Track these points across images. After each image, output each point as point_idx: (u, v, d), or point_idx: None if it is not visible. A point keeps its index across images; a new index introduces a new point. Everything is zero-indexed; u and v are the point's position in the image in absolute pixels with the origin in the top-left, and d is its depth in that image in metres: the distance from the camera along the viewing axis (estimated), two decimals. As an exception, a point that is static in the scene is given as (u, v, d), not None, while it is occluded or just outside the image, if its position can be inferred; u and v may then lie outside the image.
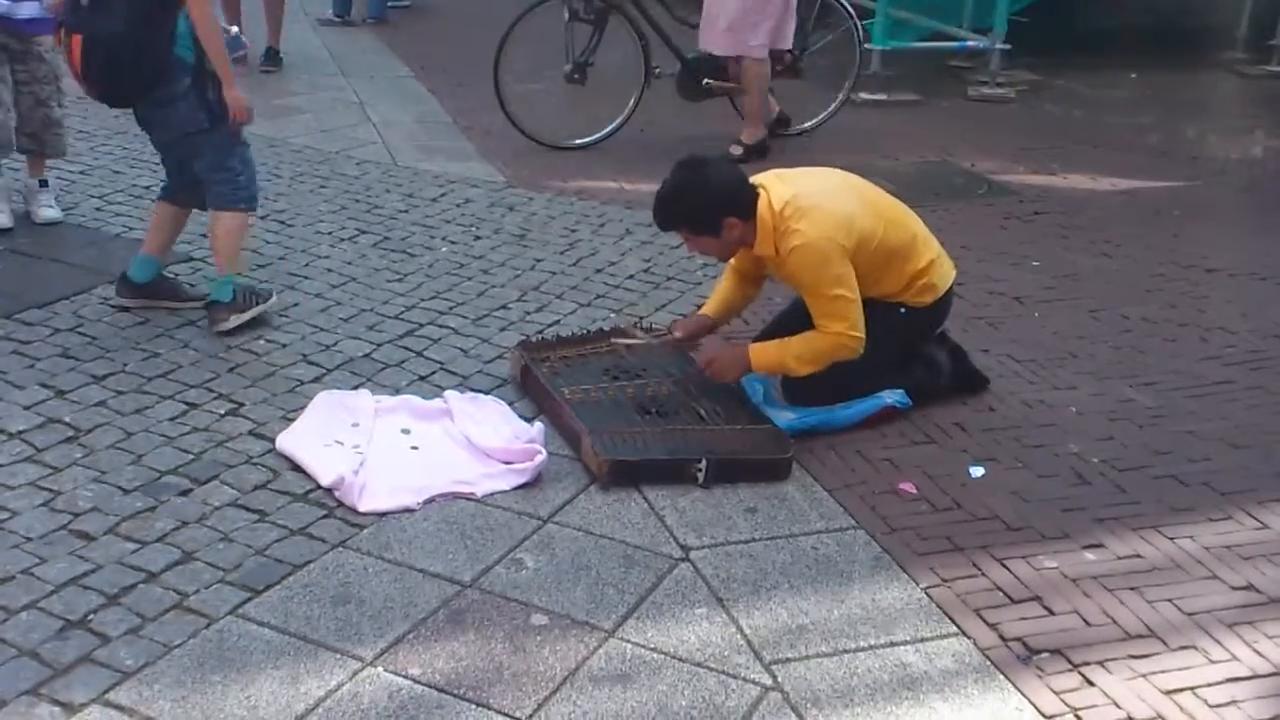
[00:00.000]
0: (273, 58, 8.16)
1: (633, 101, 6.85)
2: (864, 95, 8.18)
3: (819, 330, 3.81)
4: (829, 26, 7.34)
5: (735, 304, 4.25)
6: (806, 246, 3.73)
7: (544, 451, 3.61)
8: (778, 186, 3.85)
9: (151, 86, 4.17)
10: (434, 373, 4.22)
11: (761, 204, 3.80)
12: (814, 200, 3.81)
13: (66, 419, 3.78)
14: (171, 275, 4.74)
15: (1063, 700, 2.78)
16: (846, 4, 7.07)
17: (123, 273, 4.56)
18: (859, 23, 7.15)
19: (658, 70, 6.84)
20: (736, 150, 6.61)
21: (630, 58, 6.78)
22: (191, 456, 3.62)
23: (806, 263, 3.75)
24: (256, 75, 7.84)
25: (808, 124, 7.31)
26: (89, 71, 4.10)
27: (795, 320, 3.99)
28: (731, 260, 4.08)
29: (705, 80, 6.81)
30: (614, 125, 6.89)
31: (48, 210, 5.32)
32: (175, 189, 4.55)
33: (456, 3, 10.61)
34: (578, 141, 6.88)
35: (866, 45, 7.61)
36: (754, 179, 3.89)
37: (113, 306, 4.54)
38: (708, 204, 3.79)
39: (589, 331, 4.39)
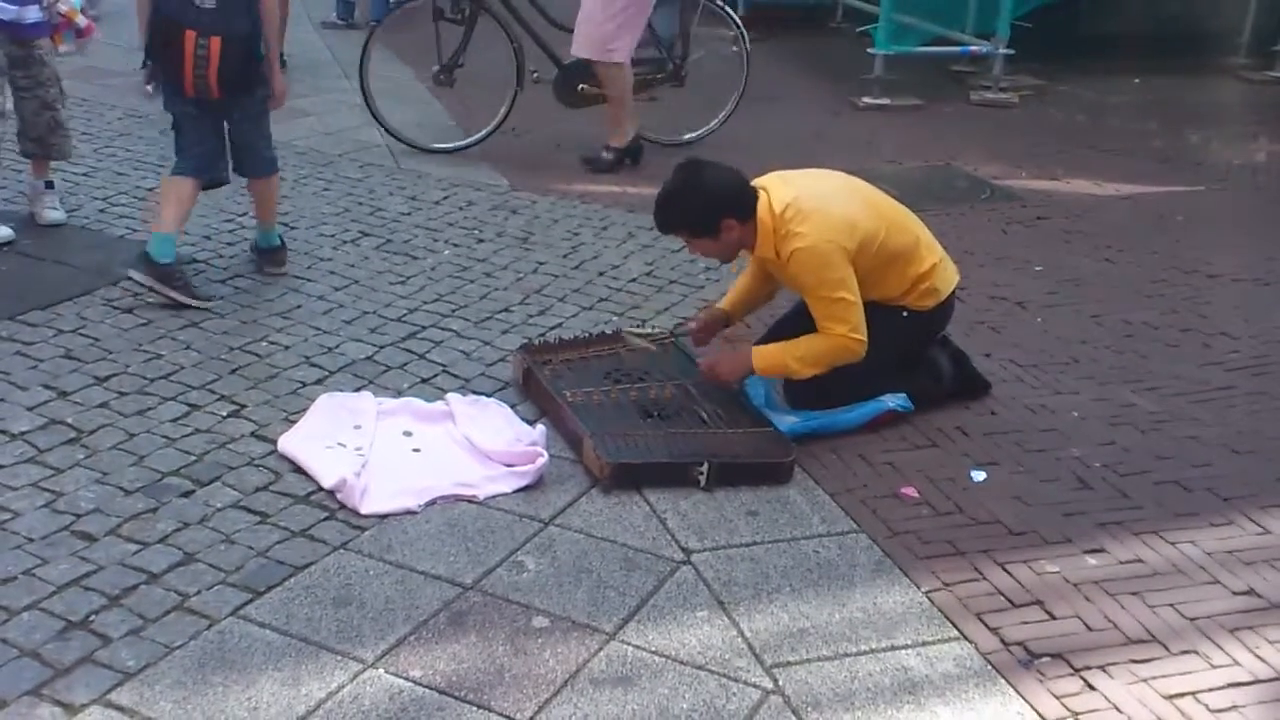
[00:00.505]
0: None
1: (505, 107, 6.73)
2: (867, 100, 8.20)
3: (821, 333, 3.81)
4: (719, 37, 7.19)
5: (753, 300, 4.26)
6: (808, 249, 3.73)
7: (546, 454, 3.61)
8: (779, 188, 3.85)
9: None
10: (436, 375, 4.22)
11: (761, 206, 3.81)
12: (816, 203, 3.81)
13: (69, 420, 3.79)
14: None
15: (1064, 705, 2.78)
16: (732, 13, 6.89)
17: (143, 252, 4.62)
18: (745, 33, 6.98)
19: (535, 75, 6.74)
20: (606, 155, 6.54)
21: (505, 61, 6.65)
22: (193, 458, 3.63)
23: (808, 265, 3.75)
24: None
25: (688, 135, 7.05)
26: (226, 69, 4.49)
27: (798, 323, 3.99)
28: (754, 255, 4.07)
29: (581, 86, 6.64)
30: (485, 131, 6.76)
31: (52, 212, 5.32)
32: (207, 168, 4.79)
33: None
34: (446, 145, 6.79)
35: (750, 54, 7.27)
36: (756, 181, 3.89)
37: (122, 294, 4.58)
38: (705, 206, 3.79)
39: (591, 334, 4.39)
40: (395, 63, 8.26)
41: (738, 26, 6.97)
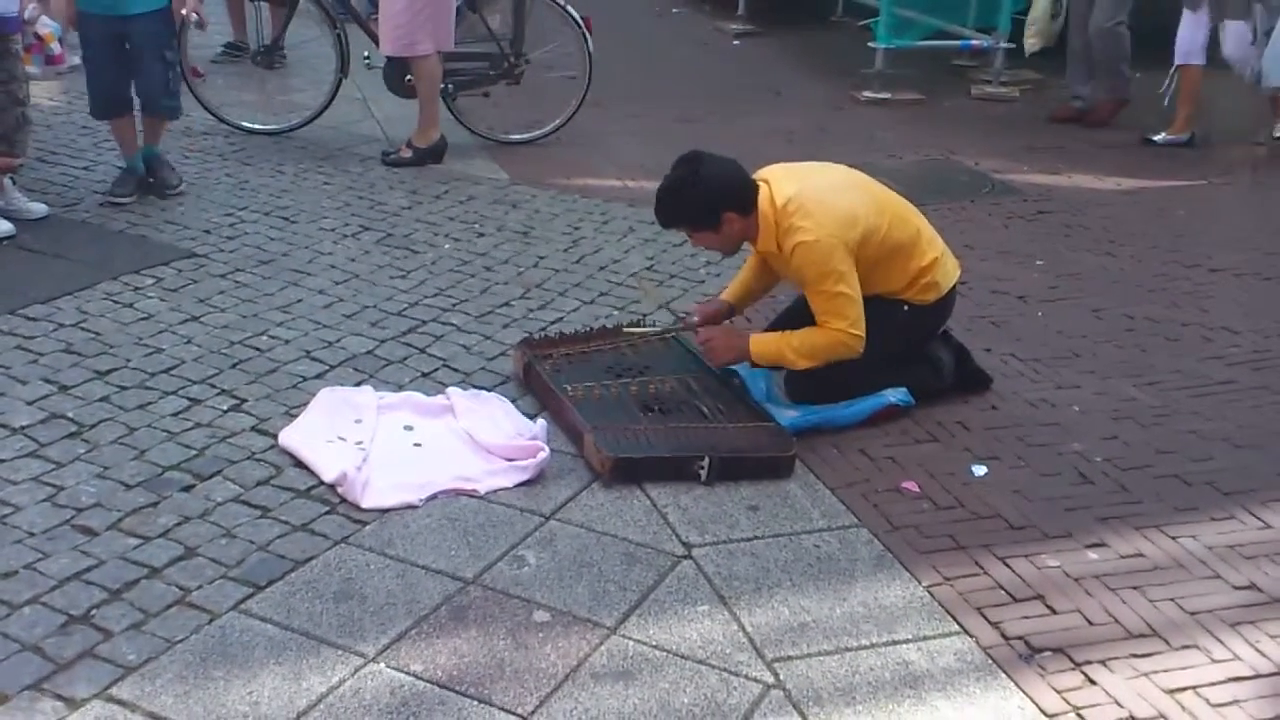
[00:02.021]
0: (234, 50, 8.06)
1: (327, 94, 6.68)
2: (867, 94, 8.20)
3: (820, 326, 3.81)
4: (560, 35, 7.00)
5: (755, 290, 4.25)
6: (811, 244, 3.73)
7: (546, 448, 3.61)
8: (781, 181, 3.85)
9: None
10: (437, 369, 4.22)
11: (763, 199, 3.81)
12: (818, 196, 3.81)
13: (70, 414, 3.79)
14: None
15: (1064, 699, 2.78)
16: (573, 11, 6.71)
17: (127, 170, 5.41)
18: (587, 32, 6.77)
19: (368, 60, 6.71)
20: (406, 153, 6.40)
21: (331, 45, 6.63)
22: (194, 452, 3.63)
23: (810, 259, 3.75)
24: (250, 70, 7.74)
25: (526, 134, 6.95)
26: None
27: (798, 318, 4.00)
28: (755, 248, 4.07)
29: (408, 78, 6.48)
30: (307, 115, 6.72)
31: (36, 205, 5.32)
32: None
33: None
34: (263, 127, 6.73)
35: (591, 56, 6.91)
36: (757, 174, 3.89)
37: (123, 288, 4.62)
38: (705, 200, 3.79)
39: (592, 329, 4.39)
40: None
41: (579, 25, 6.73)
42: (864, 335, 3.78)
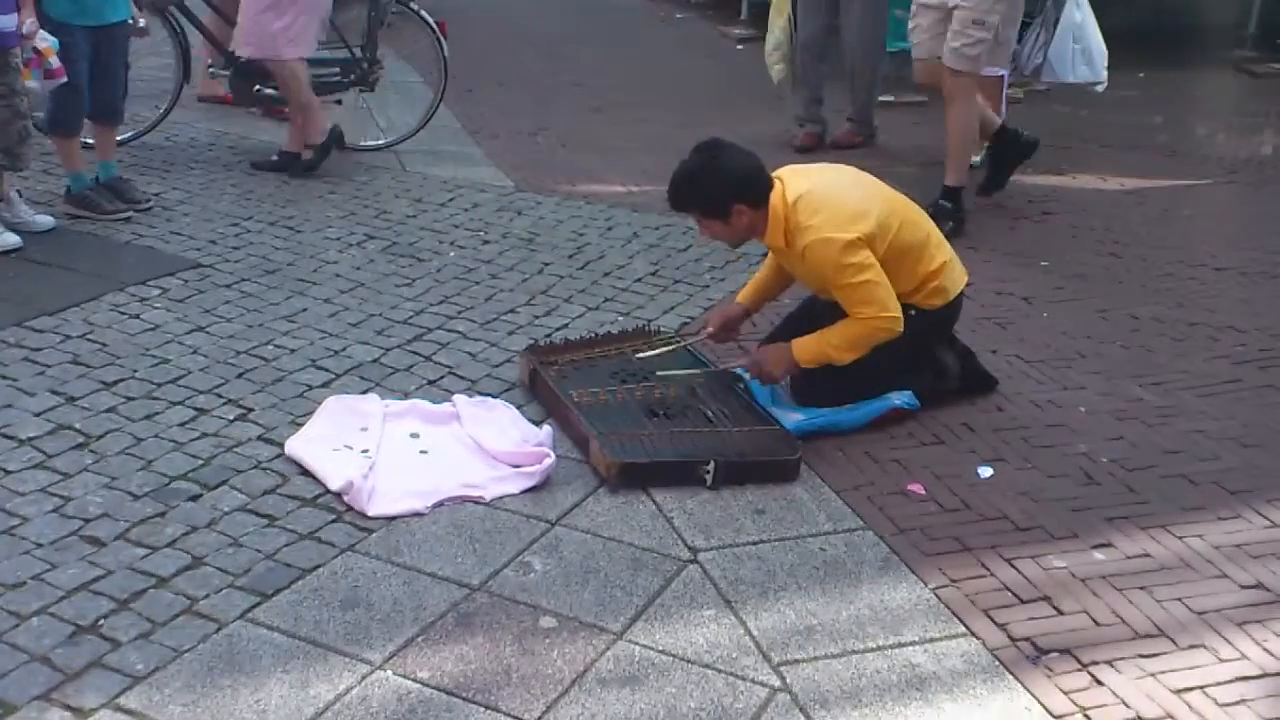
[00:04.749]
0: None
1: (167, 103, 6.54)
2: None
3: (853, 318, 3.82)
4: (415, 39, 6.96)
5: (772, 291, 4.26)
6: (823, 241, 3.74)
7: (552, 454, 3.62)
8: (794, 180, 3.88)
9: None
10: (443, 377, 4.23)
11: (775, 194, 3.83)
12: (829, 194, 3.83)
13: (76, 425, 3.80)
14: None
15: (1072, 700, 2.78)
16: (427, 16, 6.65)
17: (92, 184, 5.52)
18: (442, 36, 6.72)
19: (210, 68, 6.63)
20: (306, 154, 6.28)
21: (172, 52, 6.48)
22: (201, 462, 3.64)
23: (825, 256, 3.76)
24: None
25: (381, 141, 6.83)
26: None
27: (804, 322, 4.01)
28: (766, 245, 4.07)
29: (257, 86, 6.42)
30: (145, 126, 6.57)
31: (42, 218, 5.33)
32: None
33: (463, 8, 10.62)
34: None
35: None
36: (774, 172, 3.91)
37: (129, 299, 4.59)
38: (719, 188, 3.81)
39: (597, 335, 4.39)
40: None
41: (434, 30, 6.67)
42: (899, 314, 3.79)
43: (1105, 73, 6.51)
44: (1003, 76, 6.56)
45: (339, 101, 6.71)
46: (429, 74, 6.88)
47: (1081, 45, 6.45)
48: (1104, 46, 6.47)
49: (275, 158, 6.36)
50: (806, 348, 3.90)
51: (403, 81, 7.00)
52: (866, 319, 3.80)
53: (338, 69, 6.61)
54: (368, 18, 6.59)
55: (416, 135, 6.84)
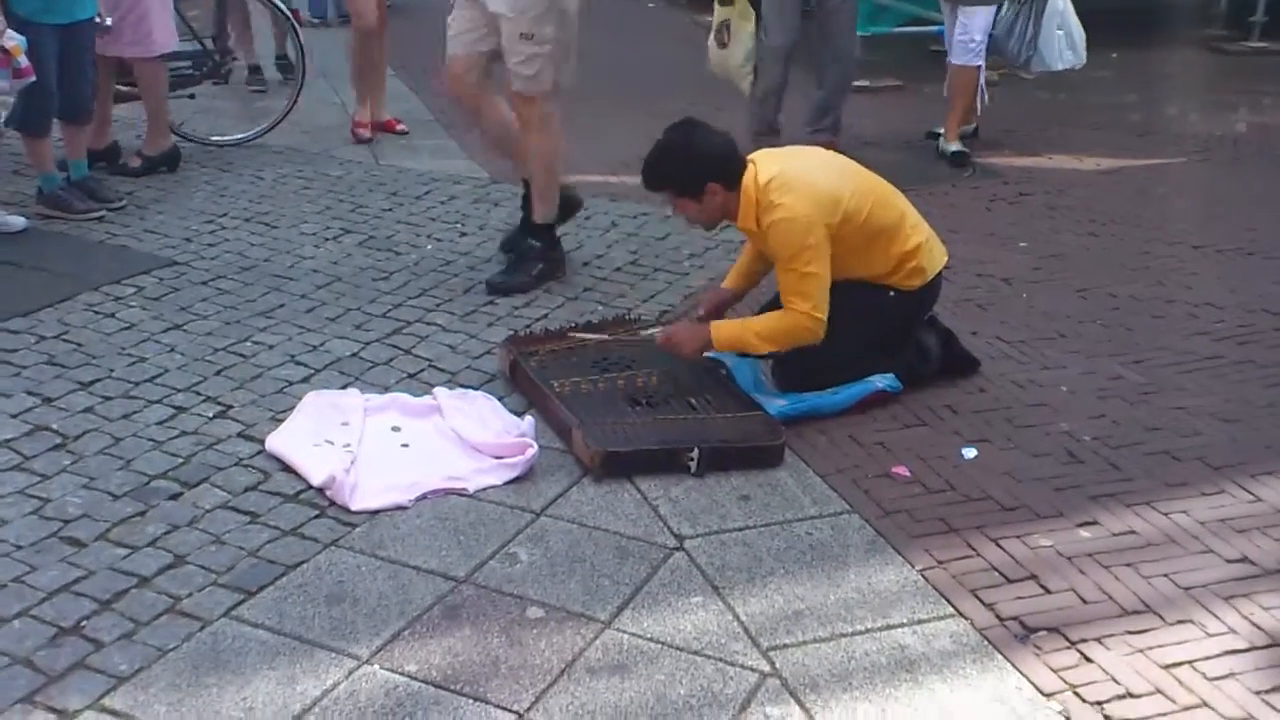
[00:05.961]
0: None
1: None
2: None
3: (785, 308, 3.81)
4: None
5: (755, 273, 4.25)
6: (788, 220, 3.74)
7: (535, 445, 3.60)
8: (766, 162, 3.88)
9: None
10: (422, 370, 4.20)
11: (748, 176, 3.83)
12: (801, 175, 3.82)
13: (54, 426, 3.76)
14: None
15: (1061, 678, 2.78)
16: (283, 7, 6.58)
17: (64, 183, 5.45)
18: (297, 24, 6.65)
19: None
20: (135, 162, 6.05)
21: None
22: (181, 460, 3.60)
23: (785, 236, 3.75)
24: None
25: (242, 134, 6.70)
26: None
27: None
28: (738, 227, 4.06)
29: (117, 84, 6.17)
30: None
31: (14, 218, 5.28)
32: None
33: (437, 2, 10.57)
34: None
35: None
36: (748, 156, 3.90)
37: (104, 299, 4.54)
38: (693, 167, 3.81)
39: (577, 324, 4.37)
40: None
41: (289, 20, 6.58)
42: (826, 319, 3.78)
43: (1085, 54, 6.54)
44: (979, 67, 6.54)
45: (192, 96, 6.55)
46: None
47: (1064, 31, 6.50)
48: (1082, 29, 6.51)
49: (139, 163, 6.10)
50: (726, 330, 3.91)
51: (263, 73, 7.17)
52: (798, 313, 3.79)
53: (189, 63, 6.47)
54: (216, 7, 6.47)
55: (279, 126, 6.73)
